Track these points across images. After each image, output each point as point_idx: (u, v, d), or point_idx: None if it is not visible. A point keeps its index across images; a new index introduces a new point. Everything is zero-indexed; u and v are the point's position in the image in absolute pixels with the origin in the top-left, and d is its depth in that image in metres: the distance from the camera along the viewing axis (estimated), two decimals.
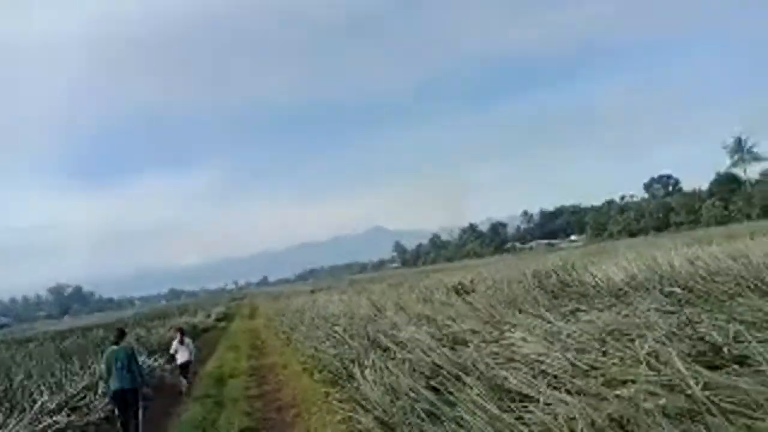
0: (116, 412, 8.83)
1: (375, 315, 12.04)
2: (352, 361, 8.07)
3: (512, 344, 6.35)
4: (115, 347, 9.07)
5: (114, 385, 8.64)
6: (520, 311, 8.24)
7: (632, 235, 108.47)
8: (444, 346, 7.13)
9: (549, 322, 6.90)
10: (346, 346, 9.27)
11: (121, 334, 9.57)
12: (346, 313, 13.84)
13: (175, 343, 13.47)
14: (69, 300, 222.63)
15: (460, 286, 14.39)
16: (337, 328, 11.36)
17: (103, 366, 9.14)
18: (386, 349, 8.00)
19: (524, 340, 6.27)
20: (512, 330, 6.86)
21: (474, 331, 7.43)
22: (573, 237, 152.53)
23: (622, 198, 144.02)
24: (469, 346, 6.76)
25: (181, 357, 13.15)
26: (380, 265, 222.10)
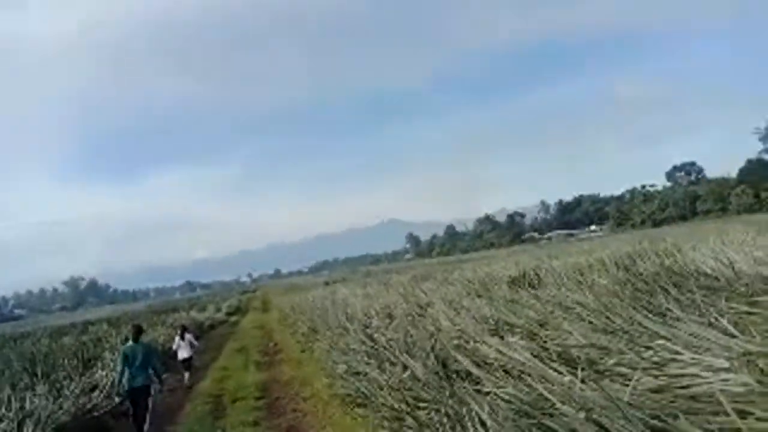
0: (130, 408, 8.88)
1: (418, 314, 9.36)
2: (420, 402, 5.15)
3: (696, 376, 3.67)
4: (131, 344, 9.11)
5: (128, 383, 8.68)
6: (651, 312, 5.54)
7: (656, 224, 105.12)
8: (569, 375, 4.37)
9: (731, 335, 4.22)
10: (400, 368, 6.23)
11: (138, 331, 9.46)
12: (378, 311, 11.08)
13: (176, 339, 13.98)
14: (84, 292, 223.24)
15: (522, 278, 11.61)
16: (377, 335, 8.42)
17: (119, 362, 9.16)
18: (470, 378, 5.25)
19: (720, 370, 3.57)
20: (677, 347, 4.13)
21: (602, 348, 4.72)
22: (593, 227, 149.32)
23: (643, 187, 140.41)
24: (615, 377, 4.05)
25: (182, 353, 13.59)
26: (394, 256, 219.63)
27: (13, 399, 8.76)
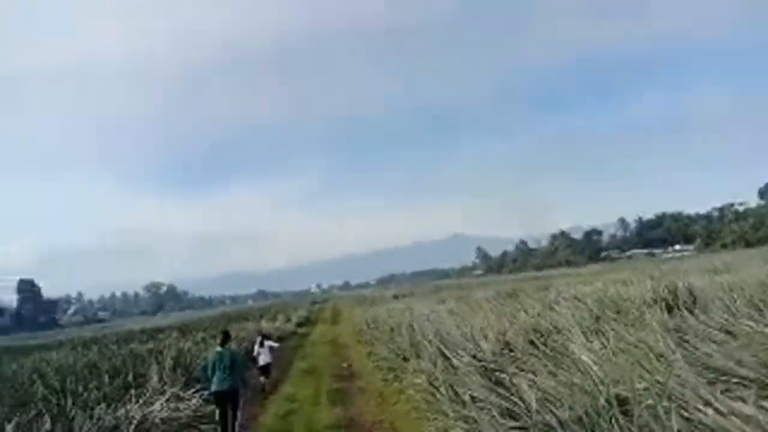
0: (216, 410, 9.07)
1: (543, 344, 6.89)
2: None
3: None
4: (219, 349, 9.33)
5: (215, 386, 8.91)
6: None
7: (749, 245, 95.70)
8: None
9: None
10: None
11: (226, 337, 9.75)
12: (486, 335, 8.57)
13: (256, 347, 14.44)
14: (164, 298, 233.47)
15: (672, 299, 8.92)
16: (507, 377, 5.61)
17: (207, 367, 9.26)
18: None
19: None
20: None
21: None
22: (677, 246, 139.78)
23: (731, 205, 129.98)
24: None
25: (263, 360, 14.06)
26: (463, 272, 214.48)
27: None
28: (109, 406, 9.51)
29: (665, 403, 3.68)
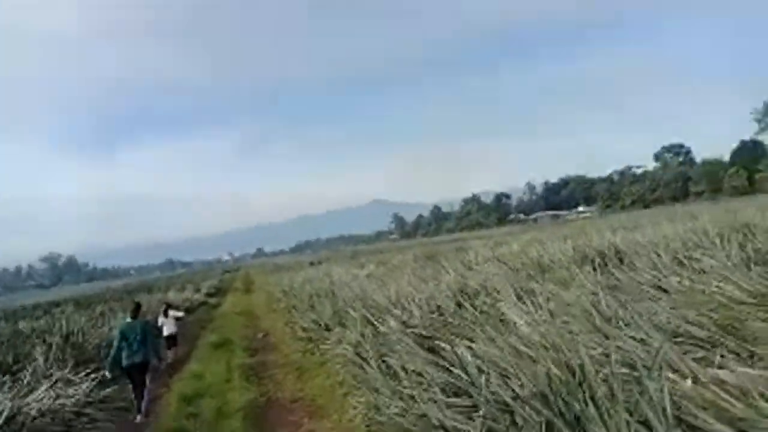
0: (129, 385, 8.93)
1: (477, 308, 6.31)
2: None
3: None
4: (130, 321, 9.14)
5: (127, 360, 8.71)
6: None
7: (646, 206, 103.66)
8: None
9: None
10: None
11: (137, 308, 9.57)
12: (413, 299, 7.86)
13: (160, 318, 14.25)
14: (62, 270, 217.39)
15: (596, 255, 8.70)
16: (443, 344, 5.02)
17: (116, 339, 8.98)
18: None
19: None
20: None
21: None
22: (581, 208, 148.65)
23: (630, 168, 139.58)
24: None
25: (167, 330, 13.83)
26: (378, 237, 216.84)
27: None
28: None
29: (635, 374, 3.16)
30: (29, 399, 8.32)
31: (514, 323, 5.70)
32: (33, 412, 7.94)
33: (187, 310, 24.55)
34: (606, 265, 8.23)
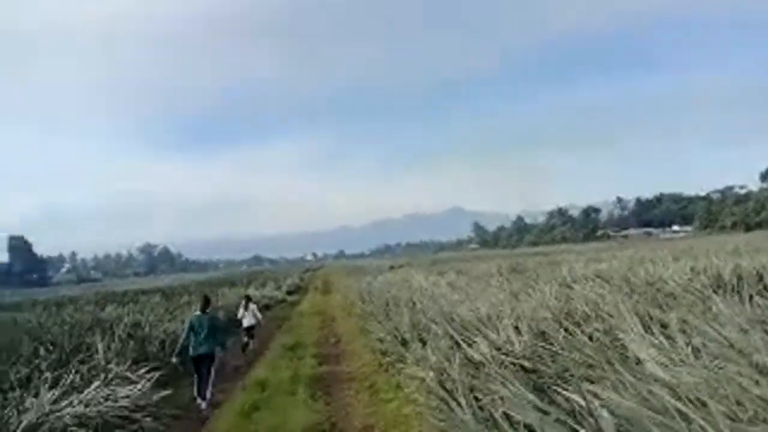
0: (194, 372, 9.20)
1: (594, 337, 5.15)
2: None
3: None
4: (199, 314, 9.53)
5: (193, 350, 9.10)
6: None
7: (749, 228, 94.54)
8: None
9: None
10: None
11: (207, 302, 9.86)
12: (504, 317, 6.76)
13: (241, 309, 14.81)
14: (157, 260, 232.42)
15: (733, 279, 7.26)
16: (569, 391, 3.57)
17: (185, 330, 9.40)
18: None
19: None
20: None
21: None
22: (675, 227, 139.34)
23: (732, 188, 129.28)
24: None
25: (247, 321, 14.36)
26: (458, 245, 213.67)
27: None
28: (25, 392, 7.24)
29: None
30: (72, 398, 7.15)
31: (639, 360, 4.54)
32: (67, 419, 6.67)
33: (267, 307, 24.61)
34: (740, 293, 6.71)
